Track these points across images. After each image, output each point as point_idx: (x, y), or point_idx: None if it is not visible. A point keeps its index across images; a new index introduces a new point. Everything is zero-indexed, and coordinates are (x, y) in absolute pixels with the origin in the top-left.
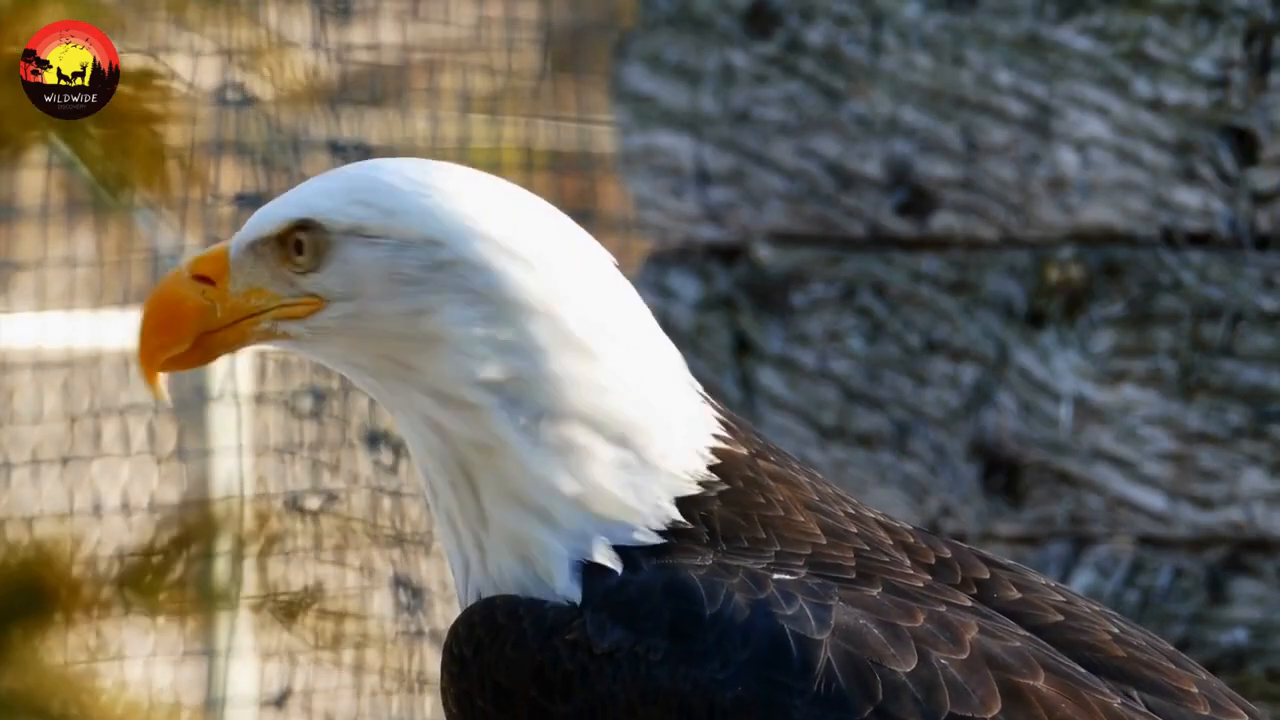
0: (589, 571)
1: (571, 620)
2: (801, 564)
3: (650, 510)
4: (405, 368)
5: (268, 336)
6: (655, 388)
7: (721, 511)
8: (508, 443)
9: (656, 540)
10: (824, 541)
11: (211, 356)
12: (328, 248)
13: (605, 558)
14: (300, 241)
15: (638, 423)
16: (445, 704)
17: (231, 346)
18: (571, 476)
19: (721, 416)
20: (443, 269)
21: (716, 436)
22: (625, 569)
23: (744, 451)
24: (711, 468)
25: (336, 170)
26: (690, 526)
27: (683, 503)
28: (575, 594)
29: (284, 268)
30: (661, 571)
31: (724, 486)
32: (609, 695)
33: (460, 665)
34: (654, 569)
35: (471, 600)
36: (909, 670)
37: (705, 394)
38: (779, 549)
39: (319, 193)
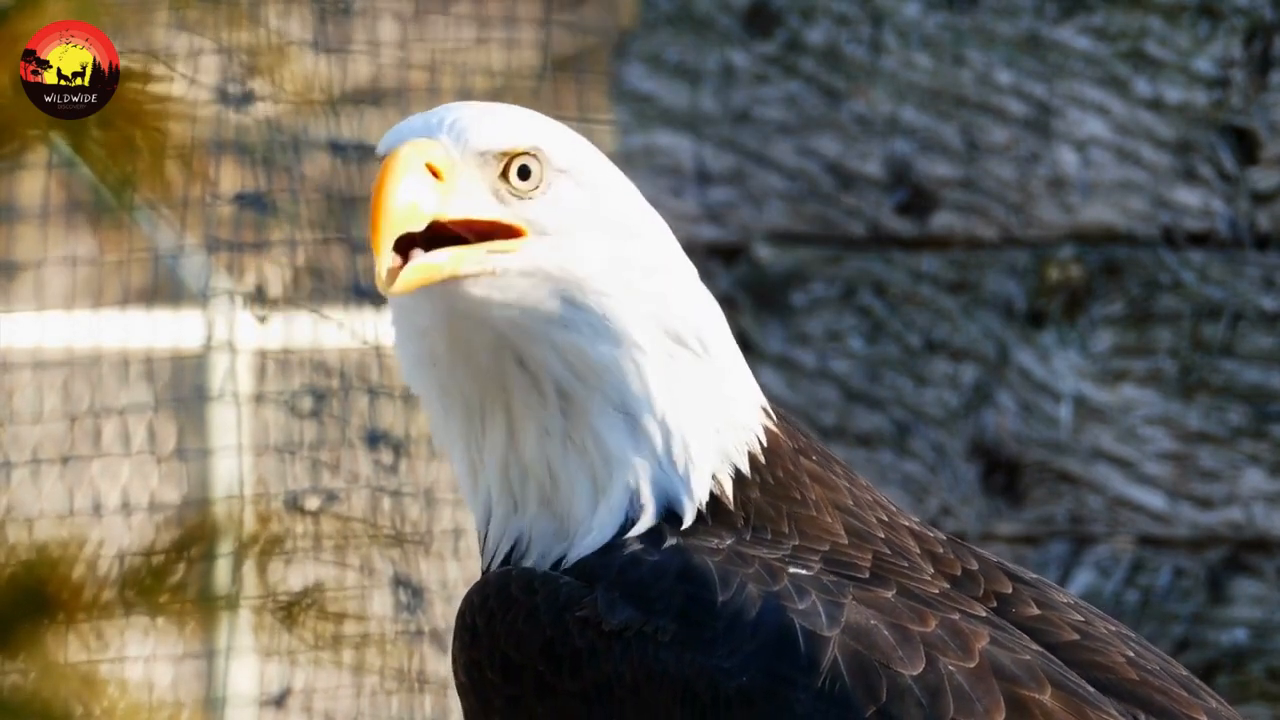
0: (623, 528)
1: (584, 597)
2: (817, 559)
3: (700, 478)
4: (547, 318)
5: (474, 271)
6: (734, 357)
7: (759, 500)
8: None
9: (698, 507)
10: (845, 541)
11: (429, 278)
12: (543, 181)
13: (648, 519)
14: (526, 167)
15: (725, 392)
16: (455, 672)
17: (443, 274)
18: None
19: (768, 407)
20: (619, 214)
21: (767, 427)
22: (648, 541)
23: (790, 444)
24: (760, 454)
25: (517, 109)
26: (729, 508)
27: (736, 481)
28: (607, 534)
29: (503, 185)
30: (678, 554)
31: (765, 476)
32: (615, 674)
33: (472, 635)
34: (672, 550)
35: (497, 554)
36: (915, 674)
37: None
38: (796, 543)
39: (540, 127)
